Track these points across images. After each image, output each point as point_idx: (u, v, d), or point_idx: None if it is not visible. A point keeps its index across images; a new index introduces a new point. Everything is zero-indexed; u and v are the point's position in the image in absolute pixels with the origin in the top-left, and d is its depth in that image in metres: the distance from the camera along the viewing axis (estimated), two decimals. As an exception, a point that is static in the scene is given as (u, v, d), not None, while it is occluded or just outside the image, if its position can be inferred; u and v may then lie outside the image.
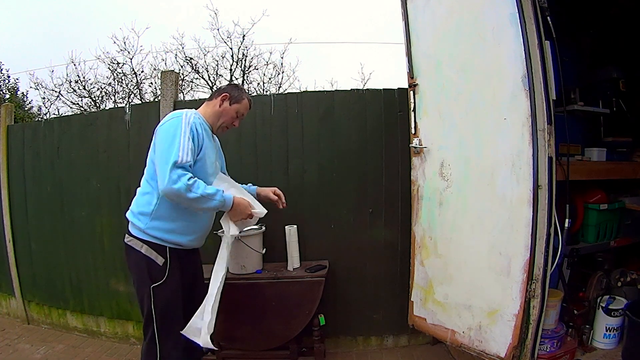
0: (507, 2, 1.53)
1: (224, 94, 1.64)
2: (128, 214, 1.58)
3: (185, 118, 1.48)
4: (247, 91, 1.74)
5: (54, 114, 7.77)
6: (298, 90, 5.31)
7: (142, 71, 7.78)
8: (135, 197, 1.59)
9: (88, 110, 7.45)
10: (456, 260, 1.81)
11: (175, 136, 1.43)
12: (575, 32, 2.27)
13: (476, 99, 1.69)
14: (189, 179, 1.40)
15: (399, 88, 2.29)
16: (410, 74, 2.00)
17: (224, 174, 1.85)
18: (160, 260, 1.51)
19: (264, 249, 2.22)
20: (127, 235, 1.56)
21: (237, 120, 1.70)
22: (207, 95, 8.10)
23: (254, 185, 1.94)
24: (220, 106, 1.64)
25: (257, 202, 1.76)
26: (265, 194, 1.91)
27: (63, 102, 7.78)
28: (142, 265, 1.51)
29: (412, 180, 2.04)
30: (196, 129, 1.49)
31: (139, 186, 1.59)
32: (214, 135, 1.71)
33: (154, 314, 1.49)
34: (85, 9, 11.64)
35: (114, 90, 7.73)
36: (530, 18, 1.49)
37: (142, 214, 1.52)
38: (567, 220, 1.68)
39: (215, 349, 1.68)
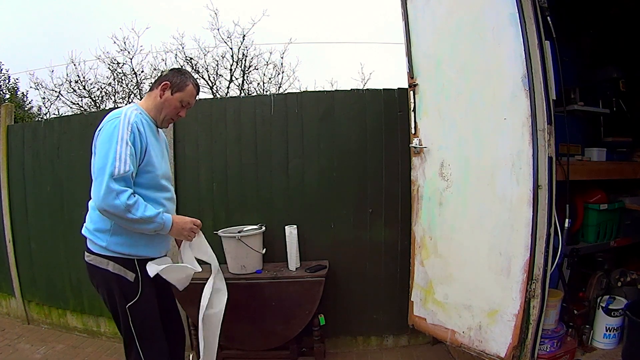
0: (507, 2, 1.53)
1: (164, 83, 1.45)
2: (84, 231, 1.44)
3: (124, 119, 1.33)
4: (192, 75, 1.55)
5: (54, 114, 7.78)
6: (298, 90, 5.32)
7: (142, 71, 7.80)
8: (88, 212, 1.45)
9: (88, 110, 7.45)
10: (456, 260, 1.81)
11: (111, 142, 1.28)
12: (575, 32, 2.27)
13: (476, 99, 1.69)
14: (129, 197, 1.27)
15: (399, 88, 2.29)
16: (410, 74, 1.99)
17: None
18: (130, 275, 1.39)
19: (264, 249, 2.22)
20: (87, 254, 1.42)
21: (183, 110, 1.50)
22: (207, 96, 7.99)
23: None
24: (161, 97, 1.46)
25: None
26: None
27: (63, 102, 7.79)
28: (113, 284, 1.39)
29: (412, 180, 2.04)
30: (137, 129, 1.34)
31: (90, 198, 1.43)
32: (159, 131, 1.56)
33: (135, 333, 1.39)
34: (86, 9, 11.65)
35: (114, 90, 7.74)
36: (530, 18, 1.49)
37: (99, 231, 1.39)
38: (567, 220, 1.67)
39: None
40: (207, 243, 1.64)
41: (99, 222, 1.39)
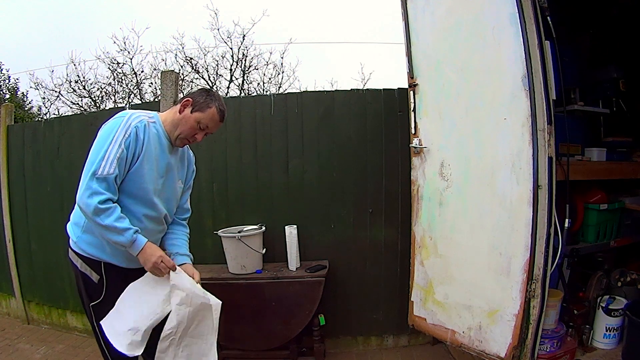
0: (507, 2, 1.53)
1: (186, 99, 1.39)
2: (67, 225, 1.42)
3: (126, 121, 1.29)
4: (220, 99, 1.43)
5: (54, 114, 7.76)
6: (298, 90, 5.32)
7: (142, 71, 7.77)
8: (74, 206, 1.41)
9: (88, 110, 7.45)
10: (456, 260, 1.81)
11: (105, 141, 1.26)
12: (575, 32, 2.27)
13: (476, 99, 1.69)
14: (102, 202, 1.22)
15: (399, 88, 2.29)
16: (410, 74, 1.99)
17: (184, 194, 1.59)
18: (95, 277, 1.35)
19: (264, 249, 2.22)
20: (68, 249, 1.41)
21: (201, 133, 1.41)
22: None
23: (187, 256, 1.54)
24: (180, 112, 1.39)
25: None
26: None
27: (63, 102, 7.77)
28: (79, 281, 1.38)
29: (412, 180, 2.04)
30: (136, 134, 1.29)
31: None
32: (178, 148, 1.48)
33: (98, 332, 1.37)
34: (86, 9, 11.64)
35: (114, 90, 7.72)
36: (530, 18, 1.49)
37: (75, 225, 1.38)
38: (567, 220, 1.67)
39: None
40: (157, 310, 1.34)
41: (77, 215, 1.39)
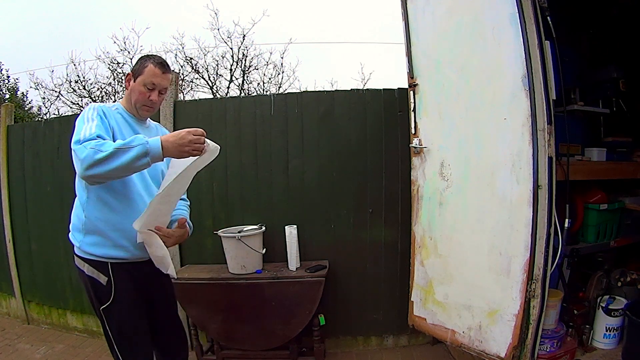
0: (507, 2, 1.53)
1: (127, 75, 1.46)
2: (69, 236, 1.43)
3: (91, 107, 1.37)
4: (156, 56, 1.46)
5: (54, 114, 7.77)
6: (298, 90, 5.32)
7: (142, 71, 7.76)
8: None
9: (88, 110, 7.43)
10: (456, 260, 1.81)
11: (79, 124, 1.29)
12: (575, 32, 2.27)
13: (476, 99, 1.69)
14: (95, 144, 1.18)
15: (399, 88, 2.29)
16: (410, 74, 1.99)
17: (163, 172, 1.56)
18: (103, 279, 1.36)
19: (264, 249, 2.22)
20: (74, 257, 1.42)
21: (152, 92, 1.41)
22: (207, 96, 7.82)
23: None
24: (127, 88, 1.46)
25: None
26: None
27: (63, 102, 7.78)
28: (88, 286, 1.39)
29: (412, 180, 2.04)
30: (103, 112, 1.35)
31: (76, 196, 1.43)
32: (150, 124, 1.55)
33: (111, 336, 1.39)
34: (86, 8, 11.64)
35: (114, 90, 7.72)
36: (530, 18, 1.49)
37: (76, 230, 1.39)
38: (567, 220, 1.67)
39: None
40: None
41: (75, 222, 1.40)
